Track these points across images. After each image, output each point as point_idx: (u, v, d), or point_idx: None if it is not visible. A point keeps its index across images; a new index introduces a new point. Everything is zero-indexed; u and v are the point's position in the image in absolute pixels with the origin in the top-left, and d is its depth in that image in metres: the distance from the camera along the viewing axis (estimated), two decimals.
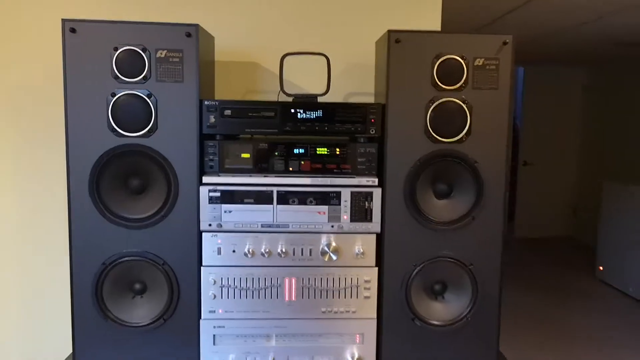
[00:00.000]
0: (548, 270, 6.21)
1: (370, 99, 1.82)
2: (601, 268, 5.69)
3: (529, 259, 6.75)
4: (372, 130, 1.55)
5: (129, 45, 1.44)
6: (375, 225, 1.55)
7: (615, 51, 5.59)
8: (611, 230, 5.49)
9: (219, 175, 1.53)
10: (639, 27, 4.22)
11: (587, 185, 7.06)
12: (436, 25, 1.93)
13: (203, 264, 1.53)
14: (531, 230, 7.66)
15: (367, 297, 1.57)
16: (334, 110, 1.55)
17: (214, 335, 1.55)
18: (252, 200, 1.53)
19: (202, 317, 1.55)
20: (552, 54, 5.97)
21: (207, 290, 1.54)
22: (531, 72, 7.22)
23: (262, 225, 1.54)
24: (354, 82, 1.93)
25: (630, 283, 5.20)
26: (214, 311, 1.54)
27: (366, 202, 1.54)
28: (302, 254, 1.55)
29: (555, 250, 7.08)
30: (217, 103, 1.52)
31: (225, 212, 1.52)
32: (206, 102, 1.51)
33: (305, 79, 1.89)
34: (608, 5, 3.47)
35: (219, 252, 1.53)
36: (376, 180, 1.55)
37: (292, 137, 1.57)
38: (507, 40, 1.49)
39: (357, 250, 1.55)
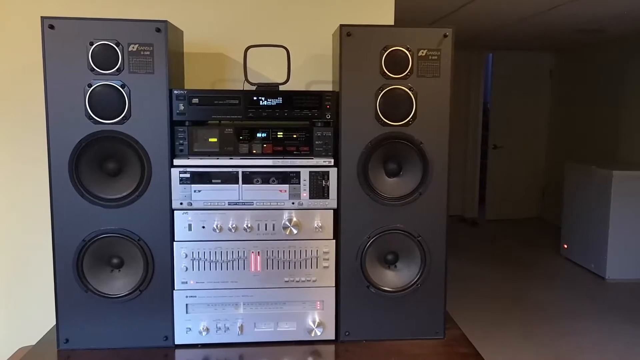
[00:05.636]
0: (515, 250, 6.43)
1: (329, 87, 1.96)
2: (565, 246, 5.89)
3: (498, 239, 6.97)
4: (328, 116, 1.70)
5: (103, 40, 1.56)
6: (332, 201, 1.70)
7: (576, 37, 5.77)
8: (574, 210, 5.68)
9: (188, 158, 1.66)
10: (593, 15, 4.40)
11: (555, 168, 7.24)
12: (390, 17, 2.07)
13: (175, 239, 1.67)
14: (501, 212, 7.83)
15: (326, 267, 1.72)
16: (292, 98, 1.69)
17: (186, 304, 1.69)
18: (219, 181, 1.67)
19: (175, 287, 1.68)
20: (518, 40, 6.14)
21: (180, 263, 1.67)
22: (500, 58, 7.35)
23: (229, 203, 1.68)
24: (315, 71, 2.07)
25: (591, 260, 5.39)
26: (186, 282, 1.68)
27: (323, 181, 1.69)
28: (266, 229, 1.69)
29: (524, 231, 7.30)
30: (185, 92, 1.65)
31: (194, 191, 1.66)
32: (175, 92, 1.64)
33: (269, 68, 2.02)
34: None
35: (190, 228, 1.67)
36: (332, 160, 1.70)
37: (255, 123, 1.70)
38: (447, 34, 1.64)
39: (316, 225, 1.70)
